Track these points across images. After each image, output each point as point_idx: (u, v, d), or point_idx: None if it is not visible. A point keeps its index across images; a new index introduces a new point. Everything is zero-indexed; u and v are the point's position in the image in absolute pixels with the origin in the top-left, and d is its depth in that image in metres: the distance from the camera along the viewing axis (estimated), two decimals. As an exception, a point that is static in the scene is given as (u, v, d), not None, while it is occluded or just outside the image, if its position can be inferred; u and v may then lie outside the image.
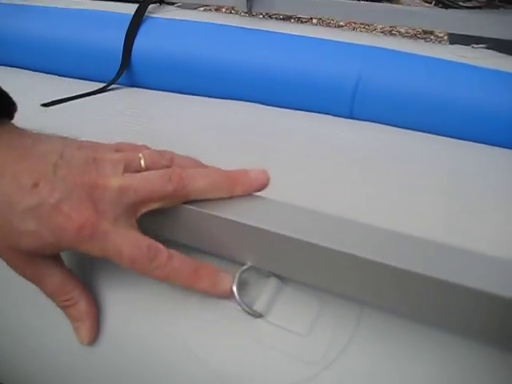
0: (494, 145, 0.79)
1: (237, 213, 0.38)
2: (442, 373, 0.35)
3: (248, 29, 0.97)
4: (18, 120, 0.58)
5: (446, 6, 2.98)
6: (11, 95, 0.46)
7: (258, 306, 0.37)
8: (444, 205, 0.61)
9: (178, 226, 0.41)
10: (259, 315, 0.37)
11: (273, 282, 0.39)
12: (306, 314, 0.37)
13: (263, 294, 0.38)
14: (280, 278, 0.40)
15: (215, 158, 0.44)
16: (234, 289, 0.37)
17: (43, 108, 0.95)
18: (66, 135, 0.44)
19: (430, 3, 2.83)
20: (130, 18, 1.05)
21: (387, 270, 0.32)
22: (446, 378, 0.35)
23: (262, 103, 0.93)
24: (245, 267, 0.38)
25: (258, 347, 0.37)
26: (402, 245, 0.34)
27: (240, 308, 0.37)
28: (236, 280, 0.38)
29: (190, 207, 0.39)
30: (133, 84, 1.06)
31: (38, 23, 1.13)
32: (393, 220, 0.38)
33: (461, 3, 2.88)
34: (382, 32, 1.62)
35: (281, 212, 0.38)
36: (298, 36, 0.93)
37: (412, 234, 0.35)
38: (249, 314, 0.37)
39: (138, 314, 0.42)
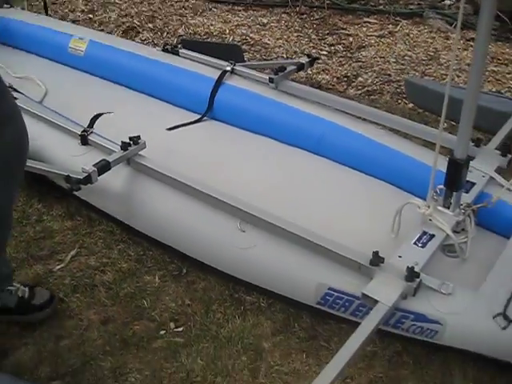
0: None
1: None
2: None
3: (274, 100, 1.92)
4: (152, 139, 1.52)
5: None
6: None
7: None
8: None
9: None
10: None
11: None
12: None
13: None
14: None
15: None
16: None
17: (167, 131, 1.92)
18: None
19: (451, 25, 3.51)
20: (214, 80, 2.00)
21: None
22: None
23: (276, 139, 1.90)
24: None
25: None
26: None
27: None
28: None
29: None
30: (213, 118, 2.04)
31: (171, 75, 2.11)
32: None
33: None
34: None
35: None
36: (297, 109, 1.87)
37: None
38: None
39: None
